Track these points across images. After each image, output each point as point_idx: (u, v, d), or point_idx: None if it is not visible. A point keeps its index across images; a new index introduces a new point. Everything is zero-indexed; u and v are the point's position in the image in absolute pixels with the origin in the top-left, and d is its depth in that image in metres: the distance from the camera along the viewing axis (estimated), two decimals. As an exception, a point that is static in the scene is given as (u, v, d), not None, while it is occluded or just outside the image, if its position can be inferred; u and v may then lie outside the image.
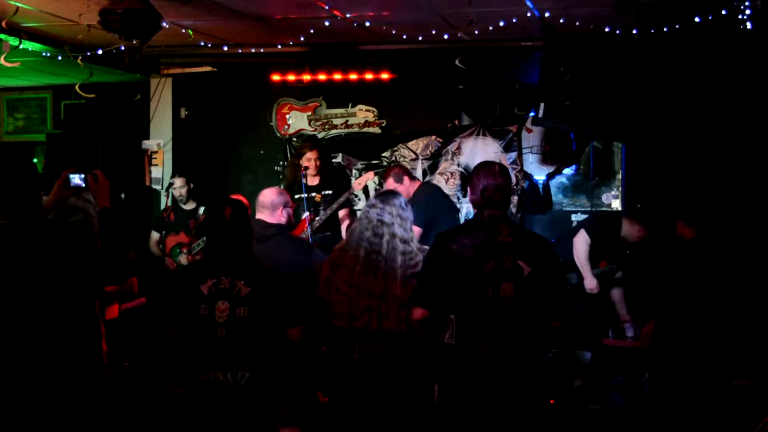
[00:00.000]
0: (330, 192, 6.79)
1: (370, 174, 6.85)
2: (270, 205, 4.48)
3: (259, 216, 4.47)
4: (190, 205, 7.16)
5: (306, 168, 6.59)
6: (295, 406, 4.37)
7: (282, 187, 6.72)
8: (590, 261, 6.08)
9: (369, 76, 7.51)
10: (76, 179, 3.57)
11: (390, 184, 6.29)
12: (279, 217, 4.47)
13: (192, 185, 7.10)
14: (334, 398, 3.94)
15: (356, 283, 3.79)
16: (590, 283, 6.07)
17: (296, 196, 6.54)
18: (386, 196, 4.00)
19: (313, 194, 6.55)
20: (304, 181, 6.59)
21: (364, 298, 3.77)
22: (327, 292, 3.86)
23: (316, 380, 4.64)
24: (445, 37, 6.24)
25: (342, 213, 6.74)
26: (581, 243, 6.08)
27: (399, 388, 3.79)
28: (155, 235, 7.14)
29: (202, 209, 7.12)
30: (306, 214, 6.33)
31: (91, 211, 3.91)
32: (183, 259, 6.94)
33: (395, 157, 7.82)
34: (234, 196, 4.59)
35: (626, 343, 5.89)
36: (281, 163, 8.25)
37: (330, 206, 6.62)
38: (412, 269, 3.82)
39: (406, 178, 6.37)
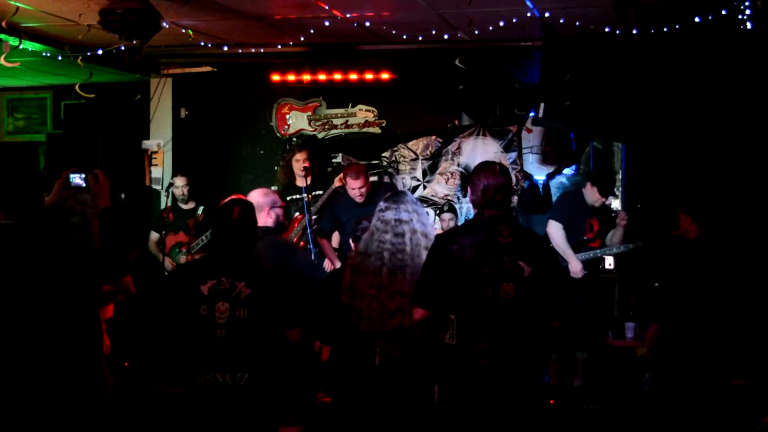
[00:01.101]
0: (320, 192, 6.78)
1: None
2: (255, 207, 4.45)
3: None
4: (189, 205, 7.16)
5: (306, 168, 6.59)
6: (295, 407, 4.36)
7: (276, 188, 6.74)
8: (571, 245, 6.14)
9: (369, 76, 7.51)
10: (77, 179, 3.56)
11: (352, 181, 6.24)
12: (265, 218, 4.39)
13: (192, 185, 7.10)
14: (347, 400, 3.88)
15: (385, 285, 3.75)
16: (575, 266, 6.06)
17: (288, 198, 6.55)
18: (396, 196, 3.97)
19: (305, 195, 6.55)
20: (298, 183, 6.59)
21: (396, 298, 3.73)
22: (352, 298, 3.81)
23: (319, 380, 4.63)
24: (445, 37, 6.24)
25: None
26: (555, 231, 6.14)
27: (419, 393, 3.76)
28: (155, 235, 7.14)
29: (201, 209, 7.13)
30: (297, 215, 6.32)
31: (88, 212, 3.90)
32: (182, 258, 6.95)
33: (395, 157, 7.81)
34: (234, 196, 4.57)
35: (626, 343, 5.89)
36: (281, 163, 8.25)
37: (316, 204, 6.62)
38: None
39: (367, 175, 6.33)
